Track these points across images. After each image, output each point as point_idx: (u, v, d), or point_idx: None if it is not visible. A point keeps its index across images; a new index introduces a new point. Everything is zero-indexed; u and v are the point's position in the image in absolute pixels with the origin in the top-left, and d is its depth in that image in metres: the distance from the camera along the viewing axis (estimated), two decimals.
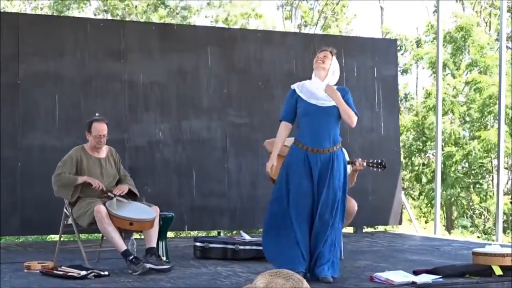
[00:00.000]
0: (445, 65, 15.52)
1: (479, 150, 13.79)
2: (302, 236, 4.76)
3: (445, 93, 14.29)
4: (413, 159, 15.60)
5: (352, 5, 21.56)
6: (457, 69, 15.63)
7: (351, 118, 4.86)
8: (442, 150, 13.79)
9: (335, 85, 4.96)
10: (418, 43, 16.67)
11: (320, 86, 4.89)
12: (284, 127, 4.96)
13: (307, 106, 4.85)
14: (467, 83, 15.09)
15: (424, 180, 15.23)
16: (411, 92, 15.91)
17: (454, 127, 14.45)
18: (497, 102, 13.90)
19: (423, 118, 15.20)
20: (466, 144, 14.23)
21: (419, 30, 17.77)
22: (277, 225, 4.83)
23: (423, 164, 15.66)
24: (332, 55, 4.96)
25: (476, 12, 16.58)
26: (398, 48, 17.19)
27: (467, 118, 14.78)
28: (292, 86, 4.99)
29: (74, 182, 5.36)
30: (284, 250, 4.77)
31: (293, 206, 4.78)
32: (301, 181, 4.79)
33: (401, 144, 14.91)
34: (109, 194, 5.39)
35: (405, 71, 17.43)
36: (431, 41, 15.72)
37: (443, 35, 15.37)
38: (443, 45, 15.64)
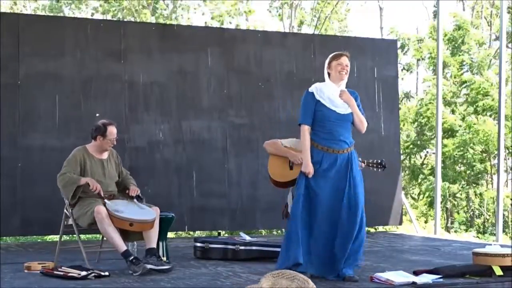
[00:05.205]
0: (446, 65, 15.53)
1: (477, 146, 13.73)
2: (303, 236, 4.83)
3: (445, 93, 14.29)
4: (412, 157, 15.56)
5: (346, 2, 21.44)
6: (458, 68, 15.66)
7: (364, 125, 5.03)
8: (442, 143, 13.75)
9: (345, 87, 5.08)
10: (420, 42, 16.58)
11: (336, 91, 4.99)
12: (308, 131, 5.01)
13: (328, 112, 4.94)
14: (463, 82, 15.14)
15: (423, 174, 15.20)
16: (411, 91, 15.96)
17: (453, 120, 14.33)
18: (492, 98, 13.98)
19: (423, 106, 15.11)
20: (462, 135, 14.18)
21: (420, 31, 17.76)
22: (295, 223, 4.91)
23: (422, 164, 15.65)
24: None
25: (477, 11, 16.56)
26: (401, 46, 17.20)
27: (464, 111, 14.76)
28: (310, 89, 5.04)
29: (77, 182, 5.37)
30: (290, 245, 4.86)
31: (306, 205, 4.86)
32: (319, 180, 4.87)
33: (403, 141, 14.94)
34: (105, 201, 5.33)
35: (407, 69, 17.38)
36: (431, 38, 15.65)
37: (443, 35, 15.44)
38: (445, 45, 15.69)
